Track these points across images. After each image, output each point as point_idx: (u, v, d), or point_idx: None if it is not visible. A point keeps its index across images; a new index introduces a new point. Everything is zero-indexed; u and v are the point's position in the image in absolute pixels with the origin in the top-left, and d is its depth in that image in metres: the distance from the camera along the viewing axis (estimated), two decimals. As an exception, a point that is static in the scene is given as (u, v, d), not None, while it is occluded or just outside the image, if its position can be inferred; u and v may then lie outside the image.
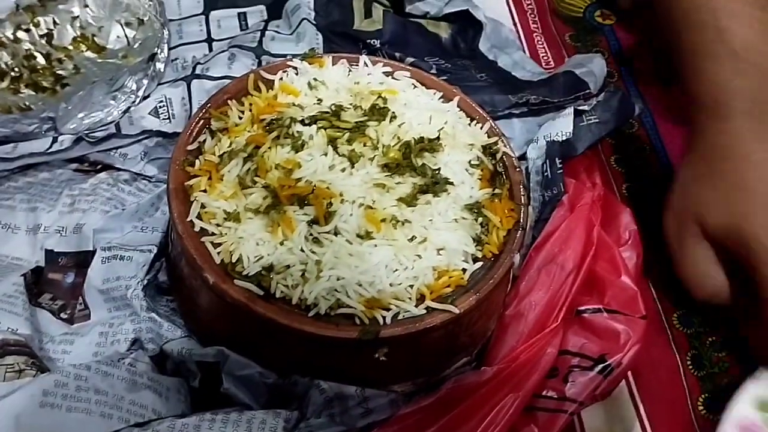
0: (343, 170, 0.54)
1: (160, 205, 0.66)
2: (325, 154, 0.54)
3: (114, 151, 0.68)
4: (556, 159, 0.65)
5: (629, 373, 0.60)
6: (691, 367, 0.63)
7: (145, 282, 0.58)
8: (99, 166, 0.69)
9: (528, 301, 0.57)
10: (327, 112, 0.57)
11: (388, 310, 0.49)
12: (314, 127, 0.55)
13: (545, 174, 0.65)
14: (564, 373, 0.55)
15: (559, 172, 0.64)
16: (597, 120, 0.69)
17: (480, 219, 0.54)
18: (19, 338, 0.54)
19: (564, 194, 0.63)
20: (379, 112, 0.57)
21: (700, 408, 0.60)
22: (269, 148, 0.54)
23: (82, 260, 0.63)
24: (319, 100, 0.59)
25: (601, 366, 0.55)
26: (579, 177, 0.66)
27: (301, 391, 0.52)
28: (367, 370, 0.52)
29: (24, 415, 0.46)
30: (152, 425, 0.48)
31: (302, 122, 0.56)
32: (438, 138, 0.57)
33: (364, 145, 0.55)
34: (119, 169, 0.69)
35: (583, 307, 0.58)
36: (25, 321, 0.56)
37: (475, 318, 0.54)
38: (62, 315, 0.60)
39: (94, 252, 0.62)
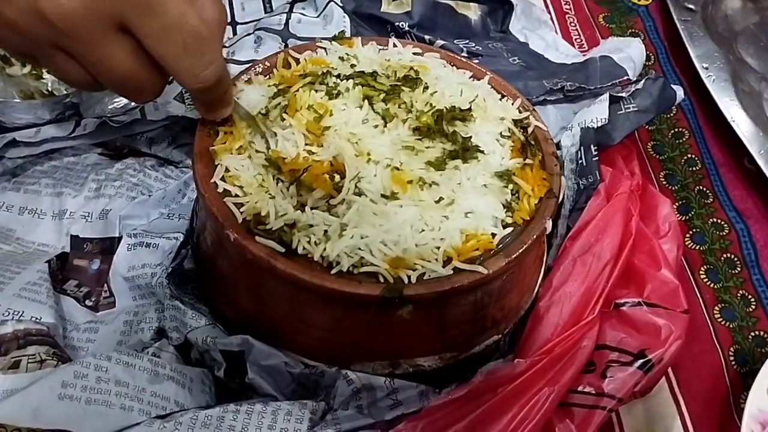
0: (376, 126, 0.52)
1: (187, 191, 0.64)
2: (360, 107, 0.52)
3: (140, 135, 0.67)
4: (591, 146, 0.62)
5: (669, 368, 0.58)
6: (733, 362, 0.60)
7: (170, 270, 0.57)
8: (125, 150, 0.69)
9: (563, 291, 0.55)
10: (363, 72, 0.55)
11: (414, 270, 0.47)
12: (351, 81, 0.54)
13: (580, 161, 0.63)
14: (602, 368, 0.53)
15: (594, 159, 0.62)
16: (636, 108, 0.66)
17: (510, 186, 0.52)
18: (42, 327, 0.53)
19: (600, 182, 0.61)
20: (412, 81, 0.56)
21: (743, 404, 0.57)
22: (302, 88, 0.52)
23: (107, 246, 0.62)
24: (353, 66, 0.57)
25: (641, 361, 0.52)
26: (616, 165, 0.64)
27: (328, 381, 0.51)
28: (392, 337, 0.50)
29: (42, 408, 0.44)
30: (175, 416, 0.47)
31: (338, 77, 0.54)
32: (470, 109, 0.55)
33: (399, 107, 0.53)
34: (146, 154, 0.68)
35: (621, 300, 0.56)
36: (49, 309, 0.55)
37: (506, 288, 0.52)
38: (87, 302, 0.59)
39: (119, 238, 0.61)
